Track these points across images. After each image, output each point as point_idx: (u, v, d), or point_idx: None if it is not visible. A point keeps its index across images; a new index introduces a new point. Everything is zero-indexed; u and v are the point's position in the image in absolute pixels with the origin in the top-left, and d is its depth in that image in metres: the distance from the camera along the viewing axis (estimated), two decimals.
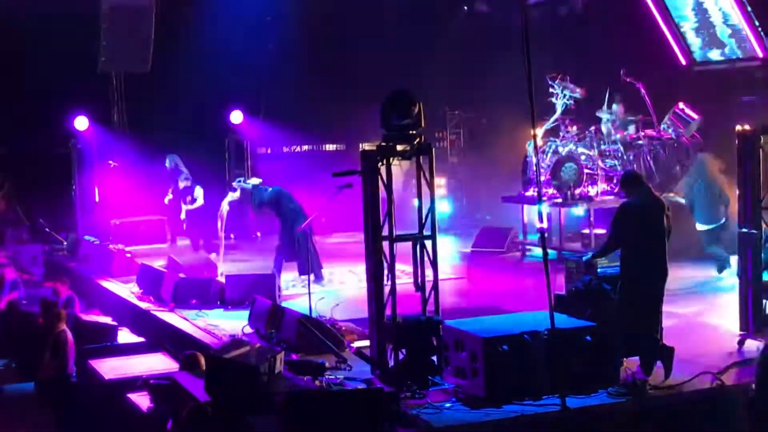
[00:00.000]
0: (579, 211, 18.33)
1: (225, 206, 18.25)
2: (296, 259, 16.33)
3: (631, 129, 18.99)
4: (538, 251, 17.58)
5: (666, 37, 19.22)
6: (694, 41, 18.97)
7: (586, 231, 18.05)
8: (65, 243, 21.27)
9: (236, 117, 23.37)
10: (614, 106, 19.13)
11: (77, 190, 22.65)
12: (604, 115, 18.96)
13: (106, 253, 18.98)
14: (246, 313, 13.62)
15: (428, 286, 10.86)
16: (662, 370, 10.11)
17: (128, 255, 18.76)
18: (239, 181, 18.16)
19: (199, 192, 20.33)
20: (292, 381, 9.96)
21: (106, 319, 15.72)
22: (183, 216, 20.54)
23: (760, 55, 17.87)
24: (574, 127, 18.97)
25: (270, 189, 17.03)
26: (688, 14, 18.73)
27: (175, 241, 21.65)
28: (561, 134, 19.03)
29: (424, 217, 10.91)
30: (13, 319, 16.30)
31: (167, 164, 20.98)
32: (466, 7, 23.09)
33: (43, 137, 22.53)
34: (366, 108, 13.37)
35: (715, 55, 18.84)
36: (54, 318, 13.59)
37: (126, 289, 16.75)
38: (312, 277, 14.52)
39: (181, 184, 20.54)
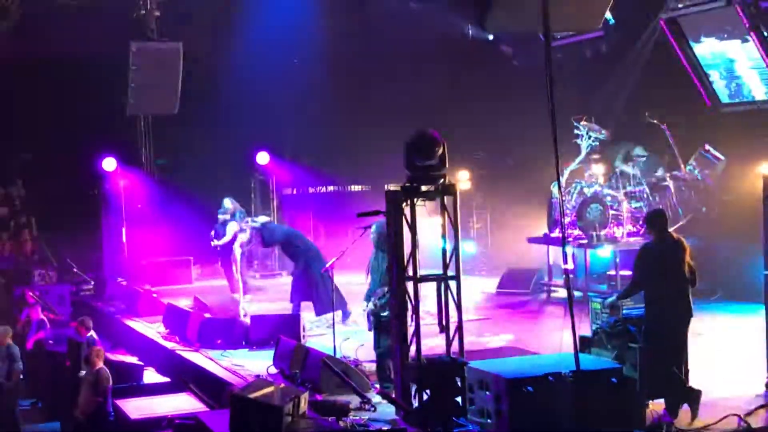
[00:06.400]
0: (604, 252, 18.25)
1: (237, 248, 18.26)
2: (312, 299, 16.36)
3: (660, 172, 18.94)
4: (563, 292, 17.51)
5: (692, 78, 19.20)
6: (720, 84, 18.93)
7: (612, 272, 17.98)
8: (92, 283, 21.35)
9: (262, 158, 23.49)
10: (635, 150, 19.09)
11: (105, 230, 22.79)
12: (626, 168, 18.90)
13: (133, 293, 19.07)
14: (271, 353, 13.65)
15: (453, 326, 10.86)
16: (689, 413, 10.06)
17: (154, 295, 18.83)
18: (247, 222, 18.18)
19: (230, 228, 19.40)
20: (317, 422, 9.96)
21: (132, 359, 15.78)
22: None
23: None
24: (600, 168, 18.98)
25: (281, 229, 17.01)
26: (715, 60, 18.67)
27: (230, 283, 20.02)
28: (586, 175, 19.04)
29: (448, 257, 10.91)
30: (39, 359, 16.38)
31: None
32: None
33: (71, 178, 22.75)
34: (392, 149, 13.42)
35: (740, 96, 18.80)
36: (92, 356, 13.55)
37: (152, 329, 16.83)
38: (340, 314, 14.48)
39: (220, 218, 19.78)
